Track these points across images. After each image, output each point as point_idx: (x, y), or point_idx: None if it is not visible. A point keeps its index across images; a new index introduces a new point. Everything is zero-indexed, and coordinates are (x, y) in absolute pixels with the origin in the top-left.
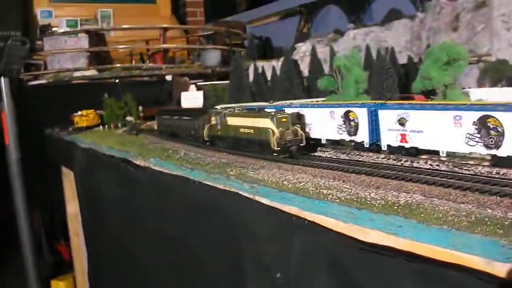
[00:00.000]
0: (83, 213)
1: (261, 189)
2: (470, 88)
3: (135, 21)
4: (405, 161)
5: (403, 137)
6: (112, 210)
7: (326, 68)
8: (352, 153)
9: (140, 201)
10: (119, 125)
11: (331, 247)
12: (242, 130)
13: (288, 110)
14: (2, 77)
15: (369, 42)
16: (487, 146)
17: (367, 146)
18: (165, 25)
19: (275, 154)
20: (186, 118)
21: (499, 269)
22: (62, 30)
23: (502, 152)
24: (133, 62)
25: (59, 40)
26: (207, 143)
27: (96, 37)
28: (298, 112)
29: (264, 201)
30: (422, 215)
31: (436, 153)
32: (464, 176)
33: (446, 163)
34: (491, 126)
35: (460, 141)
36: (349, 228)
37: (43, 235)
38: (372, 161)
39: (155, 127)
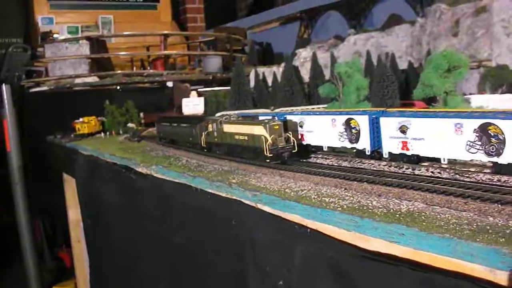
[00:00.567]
0: (85, 220)
1: (263, 197)
2: (470, 93)
3: (136, 27)
4: (406, 169)
5: (405, 145)
6: (114, 217)
7: (326, 73)
8: (353, 161)
9: (142, 209)
10: (121, 131)
11: (333, 255)
12: (237, 137)
13: (290, 118)
14: (3, 84)
15: (370, 48)
16: (488, 154)
17: (369, 153)
18: (166, 32)
19: (267, 160)
20: (184, 125)
21: (501, 278)
22: (63, 37)
23: (503, 159)
24: (134, 68)
25: (60, 47)
26: (205, 150)
27: (97, 44)
28: (290, 120)
29: (267, 209)
30: (424, 223)
31: (437, 160)
32: (465, 184)
33: (448, 170)
34: (492, 134)
35: (461, 148)
36: (352, 236)
37: (45, 241)
38: (374, 168)
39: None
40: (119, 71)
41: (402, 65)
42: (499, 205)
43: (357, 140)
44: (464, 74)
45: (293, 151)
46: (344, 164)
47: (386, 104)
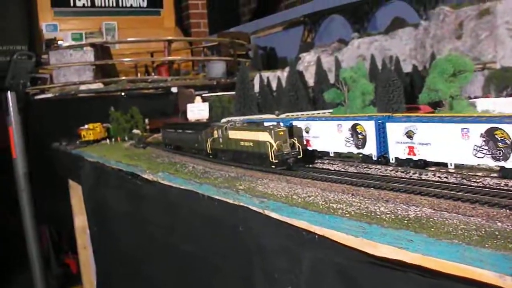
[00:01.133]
0: (91, 226)
1: (270, 203)
2: (475, 96)
3: (140, 33)
4: (413, 174)
5: (411, 150)
6: (120, 224)
7: (331, 77)
8: (360, 166)
9: (149, 215)
10: (126, 138)
11: (341, 261)
12: (242, 143)
13: (296, 123)
14: (8, 91)
15: (373, 51)
16: (495, 158)
17: (375, 158)
18: (169, 38)
19: (273, 166)
20: (189, 131)
21: (511, 283)
22: (67, 44)
23: (510, 164)
24: (138, 74)
25: (65, 54)
26: (211, 156)
27: (102, 50)
28: (295, 125)
29: (274, 215)
30: (432, 229)
31: (444, 165)
32: (472, 189)
33: (455, 175)
34: (499, 138)
35: (468, 153)
36: (360, 242)
37: (51, 247)
38: (381, 174)
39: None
40: (123, 77)
41: (406, 68)
42: (508, 210)
43: (363, 145)
44: (469, 78)
45: (298, 156)
46: (351, 169)
47: (392, 109)
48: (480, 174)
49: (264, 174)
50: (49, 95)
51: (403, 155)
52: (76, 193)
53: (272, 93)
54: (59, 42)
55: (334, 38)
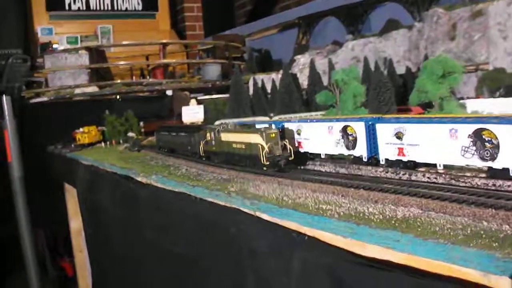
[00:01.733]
0: (86, 229)
1: (261, 205)
2: (468, 97)
3: (135, 36)
4: (403, 175)
5: (401, 151)
6: (115, 227)
7: (325, 79)
8: (351, 167)
9: (143, 218)
10: (121, 141)
11: (331, 262)
12: (234, 145)
13: (288, 125)
14: (4, 95)
15: (368, 53)
16: (482, 158)
17: (366, 160)
18: (164, 41)
19: (264, 168)
20: (183, 134)
21: (495, 282)
22: (62, 47)
23: (497, 164)
24: (133, 77)
25: (60, 57)
26: (203, 158)
27: (97, 54)
28: (287, 127)
29: (265, 217)
30: (419, 229)
31: (433, 166)
32: (460, 189)
33: (443, 175)
34: (486, 139)
35: (456, 153)
36: (349, 242)
37: (47, 251)
38: (371, 175)
39: None
40: (118, 81)
41: (400, 69)
42: (493, 210)
43: (354, 147)
44: (458, 80)
45: (290, 158)
46: (342, 171)
47: (383, 111)
48: (468, 174)
49: (256, 176)
50: (44, 98)
51: (393, 156)
52: (71, 196)
53: (266, 96)
54: (54, 46)
55: (328, 40)
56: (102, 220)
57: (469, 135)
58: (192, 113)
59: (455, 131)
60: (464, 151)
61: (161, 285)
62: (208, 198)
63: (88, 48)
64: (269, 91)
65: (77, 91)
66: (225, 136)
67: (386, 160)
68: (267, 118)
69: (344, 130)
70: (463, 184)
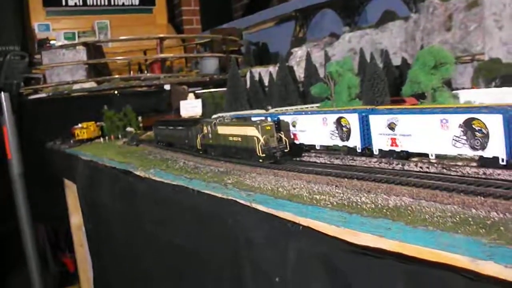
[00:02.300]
0: (86, 224)
1: (257, 196)
2: (463, 88)
3: (132, 31)
4: (396, 165)
5: (394, 141)
6: (115, 221)
7: (322, 72)
8: (345, 158)
9: (142, 211)
10: (120, 136)
11: (325, 250)
12: (231, 138)
13: (283, 118)
14: (2, 92)
15: (364, 45)
16: (473, 148)
17: (360, 151)
18: (161, 35)
19: (260, 160)
20: (180, 128)
21: (483, 267)
22: (60, 43)
23: (487, 153)
24: (131, 72)
25: (58, 53)
26: (201, 152)
27: (94, 49)
28: (282, 120)
29: (261, 208)
30: (410, 217)
31: (426, 156)
32: (451, 178)
33: (435, 165)
34: (476, 128)
35: (447, 143)
36: (342, 231)
37: (48, 246)
38: (365, 165)
39: None
40: (116, 76)
41: (397, 61)
42: (482, 197)
43: (348, 138)
44: (450, 71)
45: (285, 150)
46: (336, 162)
47: (377, 102)
48: (460, 163)
49: (252, 168)
50: (43, 95)
51: (386, 147)
52: (71, 192)
53: (263, 89)
54: (52, 42)
55: (325, 32)
56: (102, 215)
57: (460, 125)
58: (190, 107)
59: (446, 121)
60: (455, 140)
61: (161, 277)
62: (205, 190)
63: (85, 44)
64: (266, 84)
65: (75, 87)
66: (222, 129)
67: (380, 150)
68: (263, 111)
69: (338, 121)
70: (454, 173)
